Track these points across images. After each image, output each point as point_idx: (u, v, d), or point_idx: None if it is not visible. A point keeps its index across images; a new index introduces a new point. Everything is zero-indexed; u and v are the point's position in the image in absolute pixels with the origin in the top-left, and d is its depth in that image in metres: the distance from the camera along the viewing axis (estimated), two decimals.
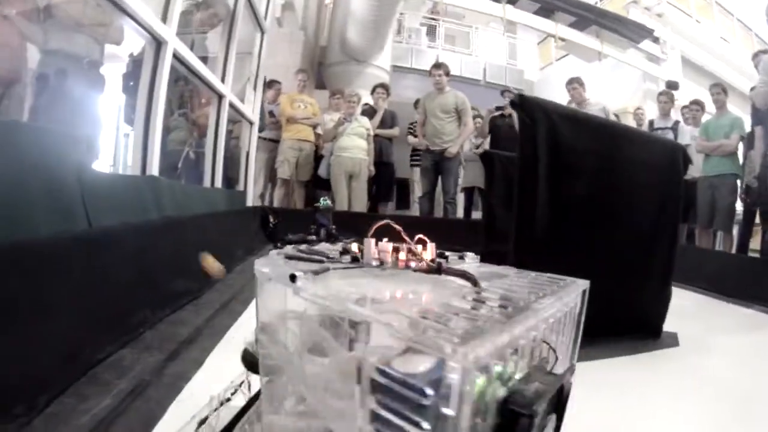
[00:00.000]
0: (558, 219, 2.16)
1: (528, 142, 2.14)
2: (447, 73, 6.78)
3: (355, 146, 6.66)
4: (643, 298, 2.59)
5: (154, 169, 2.93)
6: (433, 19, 15.56)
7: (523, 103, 2.12)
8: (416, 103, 7.84)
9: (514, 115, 6.92)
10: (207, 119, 5.52)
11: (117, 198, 2.22)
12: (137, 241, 2.04)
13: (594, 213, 2.32)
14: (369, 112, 7.24)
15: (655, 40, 12.99)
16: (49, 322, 1.33)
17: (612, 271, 2.40)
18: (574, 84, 6.83)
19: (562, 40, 12.69)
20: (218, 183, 4.45)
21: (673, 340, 2.57)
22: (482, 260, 3.27)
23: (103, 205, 2.04)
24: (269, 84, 7.03)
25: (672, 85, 11.00)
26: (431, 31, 15.45)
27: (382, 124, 7.10)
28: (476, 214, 7.75)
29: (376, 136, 7.09)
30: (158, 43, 3.00)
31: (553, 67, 15.54)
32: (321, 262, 0.87)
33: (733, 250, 5.92)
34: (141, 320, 1.90)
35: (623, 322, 2.45)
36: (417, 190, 8.00)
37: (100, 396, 1.15)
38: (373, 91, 7.57)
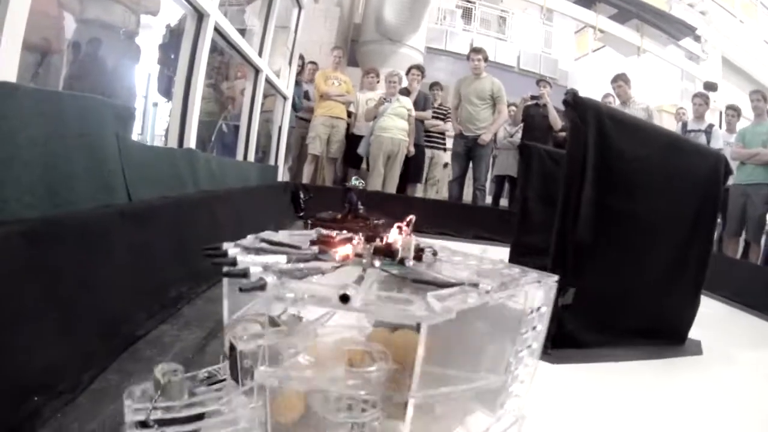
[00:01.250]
0: (600, 222, 2.16)
1: (577, 143, 2.14)
2: (486, 59, 6.75)
3: (395, 127, 6.63)
4: (673, 305, 2.59)
5: (191, 141, 2.95)
6: (469, 1, 15.41)
7: (576, 103, 2.11)
8: (432, 85, 7.82)
9: (549, 105, 6.90)
10: (235, 92, 5.54)
11: (155, 170, 2.24)
12: (175, 215, 2.06)
13: (635, 218, 2.32)
14: (402, 93, 7.21)
15: (697, 38, 12.74)
16: (91, 297, 1.35)
17: (646, 277, 2.45)
18: (620, 81, 6.70)
19: (601, 31, 12.44)
20: (251, 157, 4.49)
21: (696, 348, 2.59)
22: (512, 251, 3.29)
23: (142, 176, 2.05)
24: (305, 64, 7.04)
25: (710, 86, 10.76)
26: (466, 14, 15.36)
27: (415, 106, 7.06)
28: (503, 202, 7.77)
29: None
30: (200, 15, 3.00)
31: (589, 59, 15.38)
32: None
33: (759, 262, 5.85)
34: (178, 296, 1.91)
35: (652, 326, 2.47)
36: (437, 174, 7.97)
37: (143, 373, 1.17)
38: (408, 72, 7.51)
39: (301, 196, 5.05)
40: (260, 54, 4.42)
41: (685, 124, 6.84)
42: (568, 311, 2.16)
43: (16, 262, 1.08)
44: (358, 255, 1.08)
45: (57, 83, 3.36)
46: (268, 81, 4.70)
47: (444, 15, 14.93)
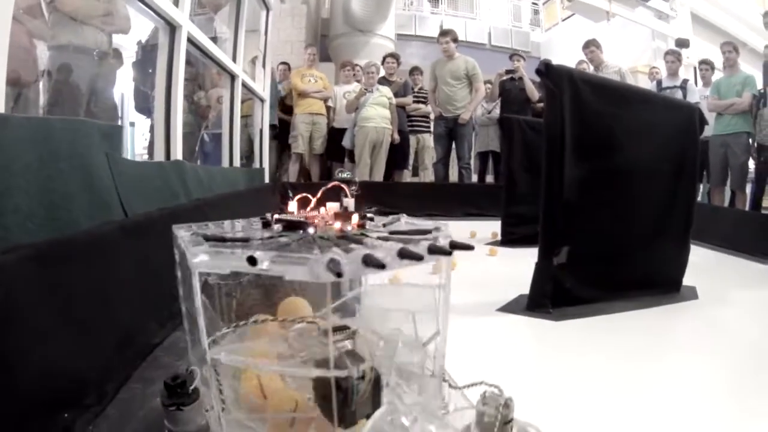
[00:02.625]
0: (584, 182, 2.25)
1: (554, 109, 2.22)
2: (455, 40, 6.82)
3: (378, 116, 6.71)
4: (664, 255, 2.69)
5: (178, 153, 2.99)
6: None
7: (549, 72, 2.18)
8: (412, 70, 7.88)
9: (525, 77, 6.96)
10: (211, 100, 5.56)
11: (147, 184, 2.28)
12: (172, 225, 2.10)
13: (618, 175, 2.42)
14: (381, 82, 7.25)
15: None
16: (104, 311, 1.39)
17: (635, 229, 2.56)
18: (591, 47, 6.78)
19: (569, 0, 12.45)
20: (236, 162, 4.53)
21: (692, 294, 2.68)
22: (503, 222, 3.42)
23: (135, 192, 2.09)
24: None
25: (682, 43, 10.77)
26: None
27: (395, 94, 7.11)
28: (489, 178, 7.85)
29: None
30: (172, 28, 3.03)
31: (559, 28, 15.35)
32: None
33: (747, 208, 5.93)
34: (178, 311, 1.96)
35: (647, 276, 2.58)
36: (426, 157, 8.04)
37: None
38: (383, 62, 7.58)
39: (290, 195, 5.03)
40: (234, 60, 4.45)
41: (659, 82, 6.90)
42: (564, 270, 2.25)
43: (30, 285, 1.12)
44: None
45: (36, 114, 3.34)
46: (244, 86, 4.73)
47: (411, 1, 14.85)
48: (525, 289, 2.36)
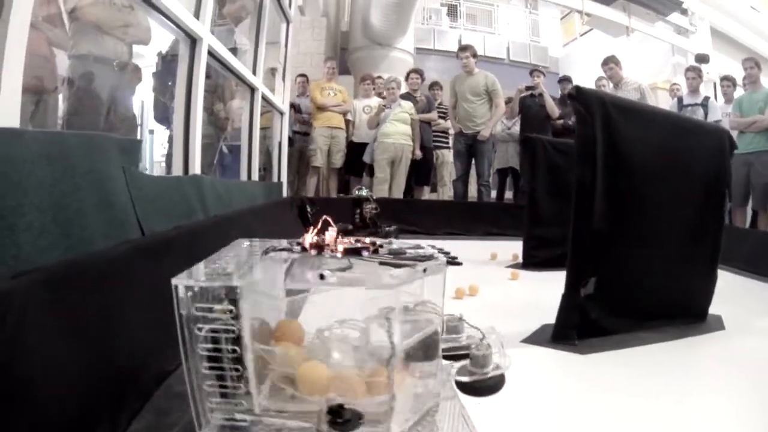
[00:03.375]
0: (614, 210, 2.17)
1: (585, 135, 2.14)
2: (474, 55, 6.76)
3: (398, 132, 6.68)
4: (691, 284, 2.59)
5: (196, 167, 2.94)
6: None
7: (580, 96, 2.11)
8: (432, 85, 7.88)
9: (545, 94, 6.89)
10: (231, 112, 5.56)
11: (165, 200, 2.23)
12: (190, 244, 2.04)
13: (647, 202, 2.32)
14: (405, 98, 7.23)
15: (684, 11, 12.55)
16: (118, 336, 1.33)
17: (663, 258, 2.44)
18: (610, 64, 6.71)
19: (588, 15, 12.37)
20: (255, 176, 4.49)
21: (718, 323, 2.57)
22: (525, 245, 3.38)
23: (153, 208, 2.04)
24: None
25: (702, 58, 10.71)
26: (452, 11, 15.40)
27: (420, 110, 7.08)
28: (507, 195, 7.78)
29: None
30: (193, 41, 3.00)
31: (578, 43, 15.36)
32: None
33: None
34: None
35: (673, 306, 2.48)
36: (444, 173, 7.99)
37: (181, 410, 1.15)
38: (407, 78, 7.56)
39: (308, 209, 5.06)
40: (254, 72, 4.42)
41: (680, 99, 6.80)
42: (591, 301, 2.16)
43: (41, 311, 1.06)
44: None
45: (54, 122, 3.34)
46: (264, 98, 4.70)
47: (429, 14, 14.96)
48: (549, 316, 2.26)
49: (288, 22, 5.92)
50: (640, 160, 2.27)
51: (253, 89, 4.44)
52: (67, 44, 3.43)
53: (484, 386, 1.27)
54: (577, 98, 2.10)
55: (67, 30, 3.42)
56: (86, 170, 1.57)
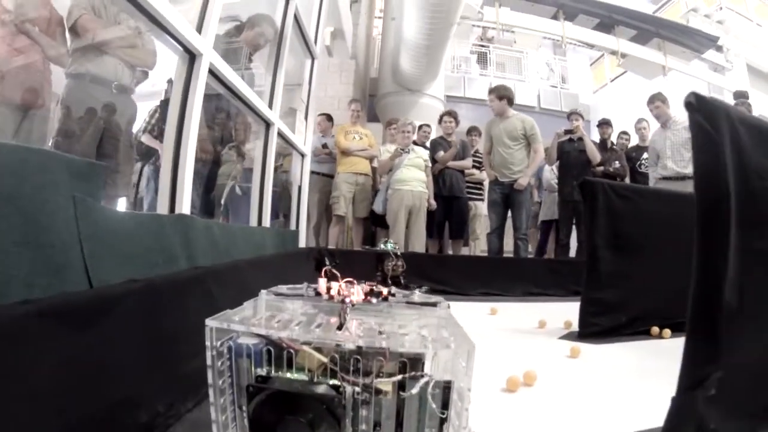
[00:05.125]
0: (748, 275, 1.46)
1: (710, 161, 1.42)
2: (501, 97, 6.16)
3: (414, 178, 6.10)
4: None
5: (185, 206, 2.40)
6: (483, 46, 15.55)
7: (701, 106, 1.39)
8: (470, 130, 7.40)
9: (585, 137, 6.33)
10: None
11: (133, 243, 1.70)
12: (146, 304, 1.49)
13: None
14: (440, 143, 6.74)
15: (719, 48, 12.38)
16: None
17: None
18: (656, 102, 6.12)
19: (623, 56, 11.97)
20: (266, 221, 3.92)
21: None
22: (583, 311, 3.22)
23: (112, 251, 1.53)
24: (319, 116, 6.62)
25: (741, 95, 10.43)
26: (481, 59, 15.45)
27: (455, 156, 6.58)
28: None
29: (446, 168, 6.57)
30: (192, 56, 2.52)
31: (608, 89, 15.31)
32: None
33: None
34: (151, 419, 1.35)
35: None
36: (477, 226, 7.40)
37: None
38: (440, 121, 7.04)
39: (327, 262, 4.40)
40: (270, 105, 3.94)
41: None
42: (711, 405, 1.44)
43: None
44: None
45: (43, 140, 3.00)
46: (281, 135, 4.19)
47: (459, 63, 14.92)
48: (633, 415, 1.72)
49: (313, 59, 5.48)
50: None
51: (268, 124, 3.94)
52: (65, 61, 3.13)
53: None
54: (697, 107, 1.39)
55: (67, 45, 3.11)
56: (9, 194, 1.15)
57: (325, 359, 1.01)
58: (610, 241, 3.19)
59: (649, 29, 11.92)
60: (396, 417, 1.01)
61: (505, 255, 6.43)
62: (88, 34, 3.11)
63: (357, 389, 0.99)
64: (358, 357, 0.99)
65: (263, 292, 1.43)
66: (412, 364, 0.99)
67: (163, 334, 1.55)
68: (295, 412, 1.01)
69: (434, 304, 1.41)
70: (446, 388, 0.99)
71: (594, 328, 3.18)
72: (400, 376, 0.99)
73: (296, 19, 4.56)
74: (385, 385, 1.00)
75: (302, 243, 5.15)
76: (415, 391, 0.98)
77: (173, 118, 2.45)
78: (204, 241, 2.35)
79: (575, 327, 3.32)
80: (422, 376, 0.99)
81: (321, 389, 1.01)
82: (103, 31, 3.19)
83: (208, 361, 1.04)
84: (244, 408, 1.06)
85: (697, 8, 12.83)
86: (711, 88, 12.36)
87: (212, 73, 2.69)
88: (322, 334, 1.02)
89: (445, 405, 0.99)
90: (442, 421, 0.99)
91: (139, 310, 1.43)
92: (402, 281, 3.57)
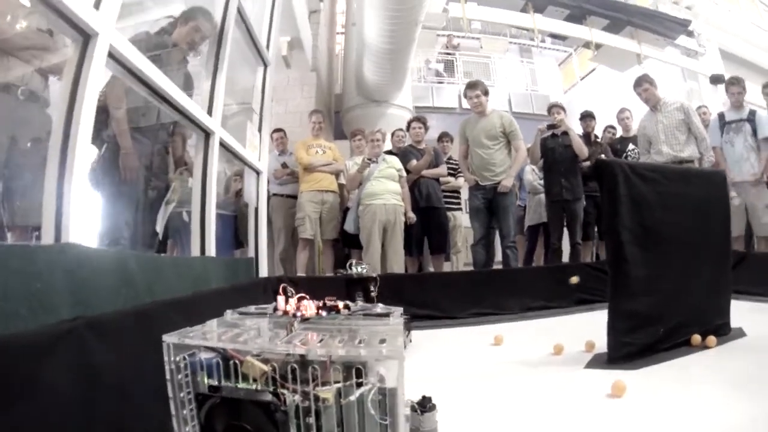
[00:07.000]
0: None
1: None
2: (485, 92, 5.64)
3: (386, 191, 5.47)
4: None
5: (69, 232, 1.73)
6: (449, 53, 15.55)
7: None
8: (441, 136, 6.92)
9: (570, 131, 5.81)
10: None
11: None
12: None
13: None
14: (411, 151, 6.19)
15: (690, 33, 12.34)
16: None
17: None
18: (644, 84, 5.60)
19: (597, 47, 11.64)
20: (211, 249, 3.22)
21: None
22: (612, 328, 2.62)
23: None
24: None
25: (717, 79, 10.71)
26: (448, 68, 15.43)
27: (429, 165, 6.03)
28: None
29: (421, 177, 5.97)
30: (87, 36, 1.90)
31: (580, 87, 15.54)
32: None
33: None
34: None
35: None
36: (458, 238, 6.81)
37: None
38: (408, 127, 6.49)
39: (288, 293, 3.71)
40: (210, 112, 3.31)
41: (722, 116, 5.90)
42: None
43: None
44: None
45: None
46: (224, 146, 3.53)
47: (425, 72, 14.81)
48: None
49: (266, 65, 4.85)
50: None
51: (207, 133, 3.29)
52: None
53: None
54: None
55: None
56: None
57: (266, 368, 1.06)
58: (638, 235, 2.56)
59: (620, 17, 11.75)
60: (341, 425, 1.04)
61: (494, 267, 5.78)
62: None
63: (296, 397, 1.05)
64: (295, 366, 1.05)
65: (228, 312, 1.55)
66: (356, 373, 1.03)
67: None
68: (239, 419, 1.07)
69: (388, 315, 1.51)
70: (389, 395, 1.03)
71: (628, 349, 2.53)
72: (339, 384, 1.04)
73: (242, 18, 3.96)
74: (326, 392, 1.04)
75: (264, 272, 4.46)
76: (353, 398, 1.03)
77: (59, 118, 1.84)
78: (108, 278, 1.72)
79: (599, 348, 2.70)
80: (362, 384, 1.03)
81: (263, 397, 1.06)
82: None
83: (167, 375, 1.10)
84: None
85: None
86: (686, 75, 12.58)
87: (114, 58, 2.08)
88: (264, 345, 1.11)
89: (386, 412, 1.02)
90: (384, 428, 1.03)
91: None
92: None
